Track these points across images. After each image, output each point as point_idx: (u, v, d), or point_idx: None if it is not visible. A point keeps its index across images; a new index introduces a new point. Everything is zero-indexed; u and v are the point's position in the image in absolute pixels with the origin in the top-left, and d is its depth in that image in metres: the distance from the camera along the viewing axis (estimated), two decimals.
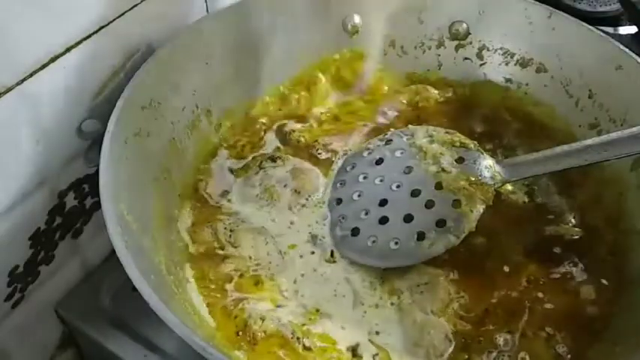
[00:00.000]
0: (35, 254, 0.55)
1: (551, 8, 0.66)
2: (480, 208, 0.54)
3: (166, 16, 0.60)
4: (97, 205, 0.60)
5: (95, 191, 0.48)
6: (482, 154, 0.57)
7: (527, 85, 0.69)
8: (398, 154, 0.60)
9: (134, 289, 0.42)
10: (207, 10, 0.66)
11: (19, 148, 0.50)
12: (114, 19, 0.54)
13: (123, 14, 0.55)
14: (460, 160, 0.57)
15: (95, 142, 0.55)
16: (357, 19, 0.71)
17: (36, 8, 0.47)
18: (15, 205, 0.52)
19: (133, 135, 0.54)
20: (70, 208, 0.57)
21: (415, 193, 0.56)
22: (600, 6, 0.85)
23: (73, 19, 0.50)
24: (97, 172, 0.48)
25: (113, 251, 0.44)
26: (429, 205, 0.55)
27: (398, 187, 0.57)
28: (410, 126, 0.62)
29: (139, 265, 0.44)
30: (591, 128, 0.64)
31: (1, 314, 0.55)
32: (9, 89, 0.47)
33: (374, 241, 0.55)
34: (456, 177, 0.55)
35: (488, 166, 0.56)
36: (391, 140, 0.61)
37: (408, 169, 0.58)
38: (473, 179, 0.55)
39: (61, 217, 0.57)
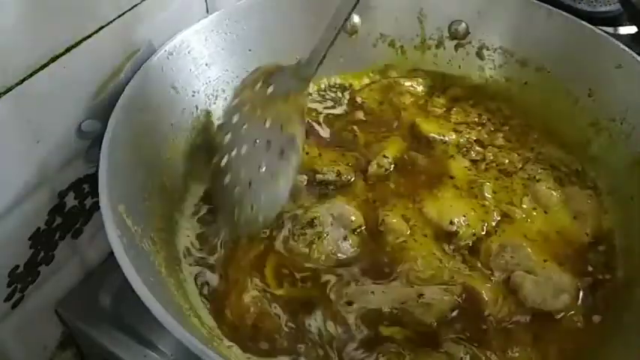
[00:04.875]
0: (35, 254, 0.55)
1: (550, 7, 0.66)
2: (298, 117, 0.55)
3: (166, 16, 0.60)
4: (97, 205, 0.58)
5: (95, 191, 0.47)
6: (281, 70, 0.57)
7: (526, 83, 0.69)
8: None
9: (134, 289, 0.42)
10: (207, 11, 0.66)
11: (19, 148, 0.50)
12: (114, 19, 0.54)
13: (123, 14, 0.55)
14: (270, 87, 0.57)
15: (95, 142, 0.55)
16: (356, 19, 0.71)
17: (36, 8, 0.47)
18: (15, 205, 0.52)
19: (133, 136, 0.54)
20: (70, 208, 0.57)
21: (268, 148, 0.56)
22: (600, 6, 0.85)
23: (73, 19, 0.50)
24: (97, 172, 0.48)
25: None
26: (271, 145, 0.55)
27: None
28: None
29: (138, 268, 0.43)
30: (591, 126, 0.64)
31: (1, 314, 0.55)
32: (9, 89, 0.47)
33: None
34: (274, 105, 0.56)
35: (288, 77, 0.56)
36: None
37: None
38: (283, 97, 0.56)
39: (61, 217, 0.57)
